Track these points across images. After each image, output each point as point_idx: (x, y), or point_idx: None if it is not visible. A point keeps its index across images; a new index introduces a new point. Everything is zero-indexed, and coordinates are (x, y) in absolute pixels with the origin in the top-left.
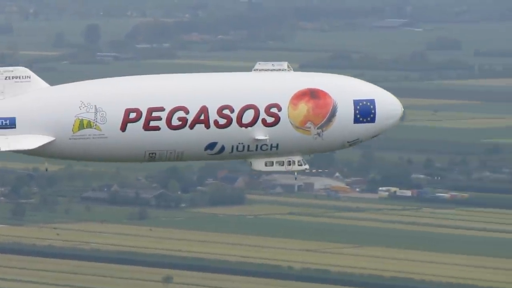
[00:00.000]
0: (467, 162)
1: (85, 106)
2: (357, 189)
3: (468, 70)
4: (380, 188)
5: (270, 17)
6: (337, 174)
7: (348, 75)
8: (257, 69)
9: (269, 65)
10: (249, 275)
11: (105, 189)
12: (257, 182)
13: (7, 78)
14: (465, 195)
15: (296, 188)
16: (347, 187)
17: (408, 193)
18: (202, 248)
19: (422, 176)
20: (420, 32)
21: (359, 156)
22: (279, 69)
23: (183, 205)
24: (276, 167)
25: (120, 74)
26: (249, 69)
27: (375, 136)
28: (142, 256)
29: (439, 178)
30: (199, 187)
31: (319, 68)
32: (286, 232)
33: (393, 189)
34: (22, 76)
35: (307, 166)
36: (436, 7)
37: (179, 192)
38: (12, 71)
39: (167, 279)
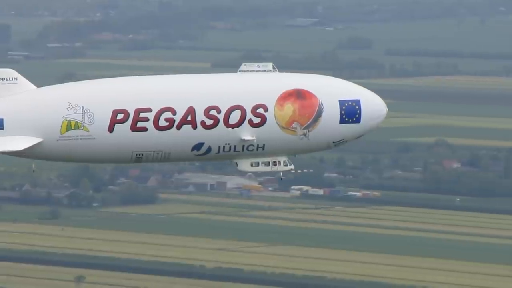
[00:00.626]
0: (379, 161)
1: (73, 107)
2: (270, 188)
3: (379, 69)
4: (293, 187)
5: (181, 17)
6: (249, 173)
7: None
8: (242, 70)
9: (254, 66)
10: (161, 274)
11: (17, 189)
12: (169, 181)
13: None
14: (377, 193)
15: (208, 187)
16: (260, 186)
17: (320, 192)
18: (114, 247)
19: (334, 175)
20: (331, 31)
21: None
22: (264, 70)
23: (95, 204)
24: (261, 168)
25: (31, 73)
26: (160, 68)
27: (360, 137)
28: (54, 255)
29: (351, 176)
30: (111, 186)
31: (229, 68)
32: (198, 231)
33: (305, 188)
34: (9, 78)
35: (292, 167)
36: (347, 6)
37: (91, 191)
38: None
39: (79, 279)
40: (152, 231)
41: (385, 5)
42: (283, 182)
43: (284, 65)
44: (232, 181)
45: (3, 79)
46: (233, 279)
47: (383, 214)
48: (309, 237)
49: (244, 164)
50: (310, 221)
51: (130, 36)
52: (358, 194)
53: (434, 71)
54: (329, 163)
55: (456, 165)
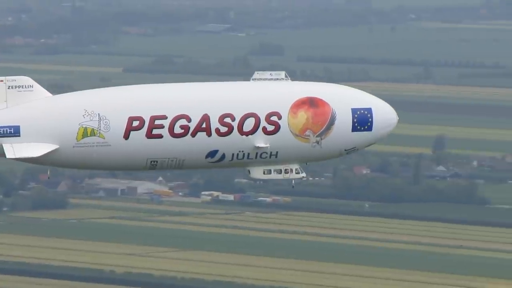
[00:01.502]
0: None
1: (89, 114)
2: (180, 193)
3: (290, 75)
4: (203, 193)
5: (93, 22)
6: (160, 178)
7: (172, 80)
8: (255, 79)
9: (267, 74)
10: (72, 279)
11: None
12: (80, 186)
13: (10, 87)
14: (287, 199)
15: (119, 192)
16: (170, 191)
17: (230, 197)
18: (24, 252)
19: (244, 180)
20: (243, 37)
21: None
22: (277, 78)
23: (5, 209)
24: (274, 175)
25: None
26: (72, 73)
27: (370, 145)
28: None
29: (261, 182)
30: (21, 191)
31: (142, 73)
32: (109, 236)
33: (215, 193)
34: (25, 86)
35: (304, 174)
36: (259, 12)
37: (1, 196)
38: (14, 80)
39: None
40: (62, 236)
41: (297, 12)
42: (193, 187)
43: (195, 71)
44: (143, 186)
45: (19, 86)
46: (143, 284)
47: (293, 220)
48: (220, 243)
49: (257, 172)
50: (221, 227)
51: (42, 40)
52: (268, 199)
53: (346, 77)
54: (239, 169)
55: (366, 171)
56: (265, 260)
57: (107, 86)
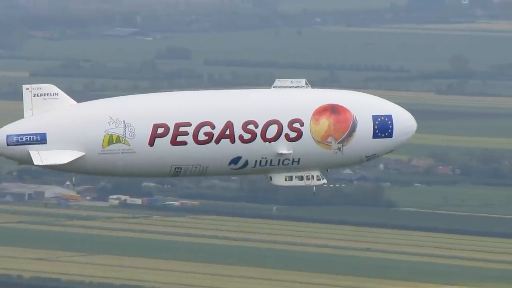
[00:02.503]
0: None
1: (114, 121)
2: (88, 197)
3: (198, 79)
4: (111, 196)
5: None
6: (67, 182)
7: (79, 84)
8: (276, 86)
9: (288, 82)
10: None
11: None
12: None
13: (36, 95)
14: (195, 203)
15: (26, 196)
16: (78, 195)
17: (138, 201)
18: None
19: (152, 184)
20: (150, 41)
21: None
22: (298, 86)
23: None
24: (295, 182)
25: None
26: None
27: (389, 152)
28: None
29: (169, 186)
30: None
31: (49, 77)
32: (16, 241)
33: (123, 197)
34: (50, 93)
35: (325, 181)
36: (166, 16)
37: None
38: (40, 88)
39: None
40: None
41: (204, 16)
42: (101, 191)
43: (102, 75)
44: (50, 191)
45: (44, 94)
46: None
47: (201, 224)
48: (128, 246)
49: (278, 179)
50: (129, 230)
51: None
52: (176, 203)
53: (253, 81)
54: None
55: None
56: (173, 264)
57: (9, 92)
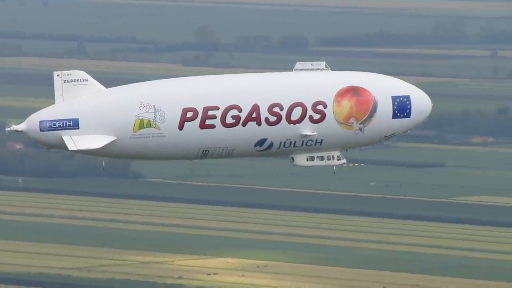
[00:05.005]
0: None
1: (145, 106)
2: None
3: None
4: None
5: None
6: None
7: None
8: (297, 69)
9: (308, 65)
10: None
11: None
12: None
13: (66, 81)
14: None
15: None
16: None
17: None
18: None
19: None
20: None
21: None
22: (318, 68)
23: None
24: (317, 162)
25: None
26: None
27: (407, 131)
28: None
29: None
30: None
31: None
32: None
33: None
34: (80, 79)
35: (345, 160)
36: None
37: None
38: (70, 74)
39: None
40: None
41: None
42: None
43: None
44: None
45: (74, 80)
46: None
47: None
48: None
49: (301, 159)
50: None
51: None
52: None
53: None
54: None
55: (19, 146)
56: None
57: None
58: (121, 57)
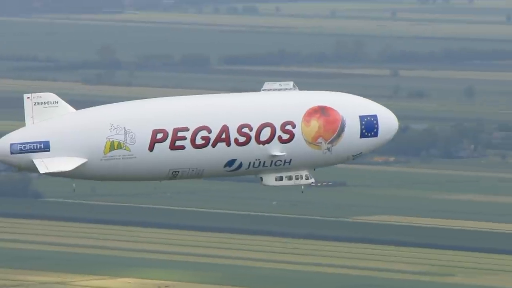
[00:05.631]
0: None
1: (115, 128)
2: None
3: None
4: None
5: None
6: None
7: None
8: (265, 89)
9: (276, 85)
10: None
11: None
12: None
13: (36, 104)
14: None
15: None
16: None
17: None
18: None
19: None
20: None
21: None
22: (286, 88)
23: None
24: (285, 182)
25: None
26: None
27: (374, 150)
28: None
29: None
30: None
31: None
32: None
33: None
34: (50, 102)
35: (313, 180)
36: None
37: None
38: (40, 97)
39: None
40: None
41: None
42: None
43: None
44: None
45: (45, 103)
46: None
47: None
48: None
49: (269, 179)
50: None
51: None
52: None
53: None
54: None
55: None
56: None
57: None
58: (21, 76)
